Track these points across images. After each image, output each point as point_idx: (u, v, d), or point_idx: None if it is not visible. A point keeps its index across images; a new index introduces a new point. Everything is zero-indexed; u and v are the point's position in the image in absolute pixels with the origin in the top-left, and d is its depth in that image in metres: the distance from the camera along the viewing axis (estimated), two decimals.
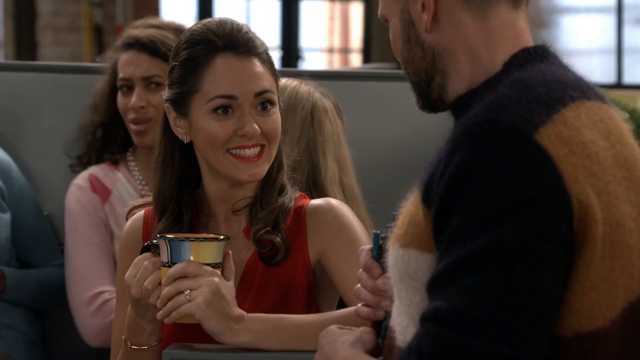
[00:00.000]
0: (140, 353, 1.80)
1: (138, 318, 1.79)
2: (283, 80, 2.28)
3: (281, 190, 1.91)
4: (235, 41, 1.85)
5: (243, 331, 1.73)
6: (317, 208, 1.90)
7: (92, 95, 2.65)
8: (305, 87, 2.32)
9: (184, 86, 1.86)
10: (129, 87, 2.58)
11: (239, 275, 1.88)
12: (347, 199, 2.29)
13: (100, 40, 7.99)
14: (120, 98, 2.59)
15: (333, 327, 1.57)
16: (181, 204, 1.88)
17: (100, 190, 2.57)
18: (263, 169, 1.86)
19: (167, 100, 1.89)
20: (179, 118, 1.87)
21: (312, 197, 2.06)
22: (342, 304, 1.92)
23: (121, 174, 2.61)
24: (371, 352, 1.51)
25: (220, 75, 1.83)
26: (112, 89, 2.62)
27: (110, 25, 8.10)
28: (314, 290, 1.89)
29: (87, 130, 2.64)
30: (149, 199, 1.96)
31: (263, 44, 1.89)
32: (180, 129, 1.88)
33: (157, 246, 1.77)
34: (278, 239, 1.85)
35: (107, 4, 8.13)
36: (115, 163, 2.63)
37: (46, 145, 2.72)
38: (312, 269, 1.88)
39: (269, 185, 1.90)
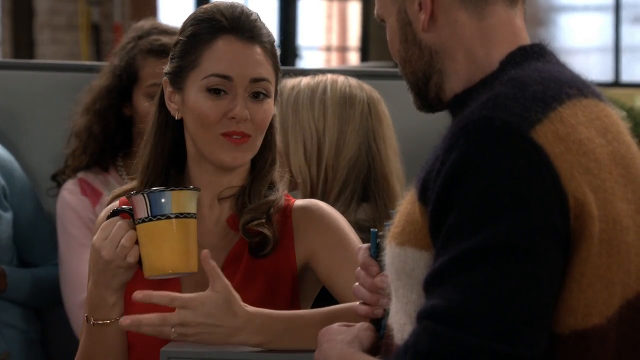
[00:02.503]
0: (103, 329, 1.79)
1: (101, 289, 1.77)
2: (329, 76, 2.28)
3: (271, 187, 1.90)
4: (241, 25, 1.85)
5: (254, 336, 1.71)
6: (305, 208, 1.89)
7: (93, 98, 2.60)
8: (353, 81, 2.31)
9: (183, 61, 1.86)
10: None
11: (219, 264, 1.85)
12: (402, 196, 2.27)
13: (97, 38, 7.98)
14: (151, 106, 2.53)
15: (334, 325, 1.57)
16: (169, 179, 1.88)
17: (91, 193, 2.56)
18: (245, 155, 1.85)
19: (166, 73, 1.89)
20: (174, 93, 1.87)
21: (369, 195, 2.04)
22: (317, 305, 1.91)
23: (111, 177, 2.60)
24: (369, 350, 1.51)
25: (220, 55, 1.84)
26: (121, 94, 2.58)
27: (108, 23, 8.09)
28: (297, 289, 1.88)
29: (86, 135, 2.58)
30: (129, 185, 1.94)
31: (269, 34, 1.89)
32: (173, 104, 1.87)
33: (125, 211, 1.75)
34: (267, 231, 1.85)
35: (104, 3, 8.12)
36: (106, 169, 2.61)
37: (43, 143, 2.71)
38: (297, 268, 1.87)
39: (260, 177, 1.89)
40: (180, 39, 1.87)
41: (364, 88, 2.29)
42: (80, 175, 2.59)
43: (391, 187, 2.23)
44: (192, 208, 1.74)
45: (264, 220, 1.85)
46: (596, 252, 1.34)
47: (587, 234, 1.33)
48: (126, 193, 1.90)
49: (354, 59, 9.71)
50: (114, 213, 1.77)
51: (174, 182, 1.88)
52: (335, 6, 9.94)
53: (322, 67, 7.77)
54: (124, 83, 2.57)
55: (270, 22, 8.98)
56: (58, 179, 2.63)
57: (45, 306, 2.65)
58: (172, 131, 1.89)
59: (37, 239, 2.61)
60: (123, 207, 1.77)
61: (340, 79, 2.29)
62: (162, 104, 1.90)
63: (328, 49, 9.92)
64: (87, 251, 2.48)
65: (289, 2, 9.11)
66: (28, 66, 2.89)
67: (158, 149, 1.88)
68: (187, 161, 1.90)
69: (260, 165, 1.89)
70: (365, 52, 9.34)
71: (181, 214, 1.73)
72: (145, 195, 1.72)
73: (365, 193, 2.22)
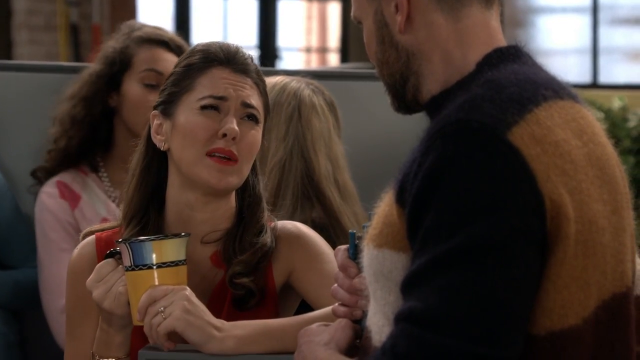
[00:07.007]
0: None
1: (106, 326, 1.79)
2: (272, 78, 2.29)
3: (260, 231, 1.89)
4: (235, 59, 1.89)
5: (227, 338, 1.72)
6: (281, 230, 1.90)
7: (80, 84, 2.56)
8: (294, 84, 2.31)
9: (176, 87, 1.89)
10: (154, 85, 2.51)
11: (204, 302, 1.83)
12: (343, 197, 2.29)
13: (76, 39, 7.95)
14: (143, 92, 2.52)
15: (313, 325, 1.57)
16: (152, 212, 1.88)
17: (69, 196, 2.54)
18: (231, 179, 1.85)
19: (155, 106, 1.91)
20: (163, 123, 1.89)
21: (309, 196, 2.05)
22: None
23: (90, 179, 2.58)
24: (345, 351, 1.51)
25: (215, 80, 1.87)
26: (110, 81, 2.55)
27: (86, 24, 8.06)
28: (278, 311, 1.88)
29: (69, 121, 2.54)
30: (105, 225, 1.95)
31: (262, 75, 1.92)
32: (160, 137, 1.89)
33: (119, 253, 1.76)
34: (254, 285, 1.84)
35: (83, 3, 8.09)
36: (85, 171, 2.58)
37: (21, 144, 2.70)
38: (277, 293, 1.88)
39: (248, 223, 1.89)
40: (174, 72, 1.91)
41: (302, 93, 2.30)
42: (59, 177, 2.57)
43: (322, 192, 2.25)
44: (178, 255, 1.73)
45: (252, 278, 1.85)
46: (572, 253, 1.35)
47: (563, 236, 1.34)
48: (95, 232, 1.91)
49: (333, 60, 9.72)
50: (110, 254, 1.78)
51: (153, 222, 1.87)
52: (315, 7, 9.95)
53: (302, 68, 7.78)
54: (116, 69, 2.55)
55: (250, 23, 8.98)
56: (38, 174, 2.61)
57: (24, 309, 2.64)
58: (157, 165, 1.90)
59: (15, 241, 2.59)
60: (117, 249, 1.77)
61: (282, 82, 2.30)
62: (149, 139, 1.91)
63: (308, 50, 9.92)
64: (66, 255, 2.47)
65: (269, 3, 9.11)
66: (6, 67, 2.87)
67: (143, 184, 1.89)
68: (168, 195, 1.89)
69: (246, 209, 1.89)
70: (345, 54, 9.36)
71: (164, 263, 1.72)
72: (127, 245, 1.72)
73: (304, 195, 2.24)
